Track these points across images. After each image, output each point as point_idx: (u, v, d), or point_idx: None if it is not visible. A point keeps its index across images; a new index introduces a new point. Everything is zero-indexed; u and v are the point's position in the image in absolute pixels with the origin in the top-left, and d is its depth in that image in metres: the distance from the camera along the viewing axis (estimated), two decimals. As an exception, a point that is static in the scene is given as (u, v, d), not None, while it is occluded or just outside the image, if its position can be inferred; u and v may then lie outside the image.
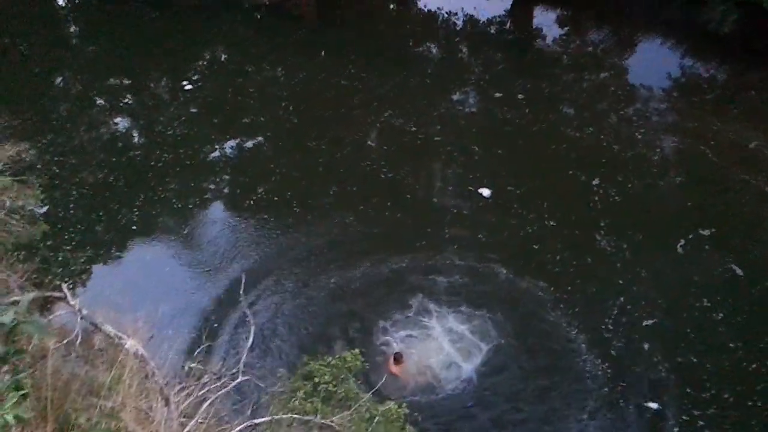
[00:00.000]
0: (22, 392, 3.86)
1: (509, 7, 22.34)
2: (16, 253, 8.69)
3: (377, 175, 14.97)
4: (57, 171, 14.81)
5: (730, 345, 11.35)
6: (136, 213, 13.83)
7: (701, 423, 10.25)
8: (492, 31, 21.00)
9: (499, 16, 21.51)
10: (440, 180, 14.93)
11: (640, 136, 15.99)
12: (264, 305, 11.98)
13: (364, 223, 13.74)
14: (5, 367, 4.25)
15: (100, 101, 17.64)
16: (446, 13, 21.40)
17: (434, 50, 20.14)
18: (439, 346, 11.41)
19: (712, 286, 12.37)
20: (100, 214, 13.78)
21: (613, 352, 11.25)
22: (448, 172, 15.11)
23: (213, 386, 6.88)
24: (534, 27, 21.31)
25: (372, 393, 8.24)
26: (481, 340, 11.49)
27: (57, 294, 6.24)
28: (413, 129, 16.35)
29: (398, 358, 10.85)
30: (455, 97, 17.85)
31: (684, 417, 10.35)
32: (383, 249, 13.12)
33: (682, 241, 13.26)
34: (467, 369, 11.08)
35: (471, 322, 11.77)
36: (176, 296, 12.03)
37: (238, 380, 6.93)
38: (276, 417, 6.58)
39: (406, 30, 21.49)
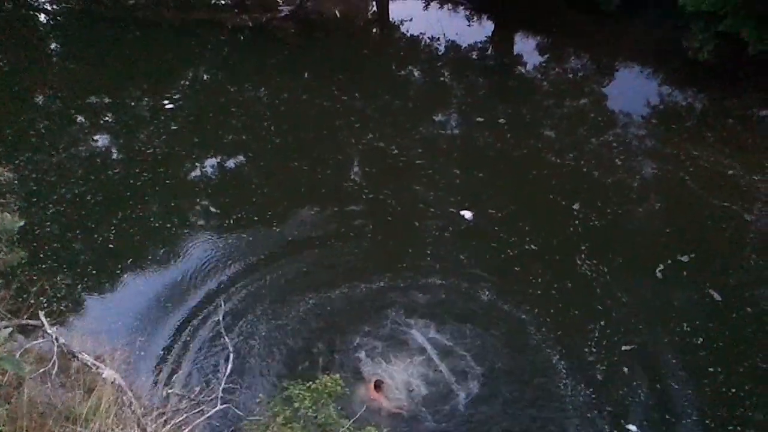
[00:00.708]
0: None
1: (491, 33, 22.63)
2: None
3: (359, 197, 14.96)
4: (35, 188, 14.58)
5: (710, 369, 11.43)
6: (113, 231, 13.63)
7: (682, 449, 10.28)
8: (474, 56, 21.22)
9: (481, 42, 21.77)
10: (422, 202, 14.95)
11: (620, 162, 16.18)
12: (243, 326, 11.81)
13: (345, 244, 13.67)
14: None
15: (80, 119, 17.46)
16: (429, 38, 21.60)
17: (417, 74, 20.28)
18: (420, 369, 11.32)
19: (692, 311, 12.48)
20: (77, 232, 13.56)
21: (598, 376, 11.26)
22: (429, 195, 15.13)
23: (192, 413, 6.76)
24: (515, 53, 21.60)
25: (353, 420, 8.12)
26: (465, 361, 11.44)
27: (33, 322, 6.11)
28: (395, 151, 16.39)
29: (378, 385, 10.76)
30: (437, 120, 17.96)
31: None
32: (364, 269, 13.07)
33: (662, 266, 13.38)
34: (449, 393, 10.99)
35: (453, 342, 11.72)
36: (154, 319, 11.84)
37: (217, 408, 6.80)
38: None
39: (389, 54, 21.65)
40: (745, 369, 11.49)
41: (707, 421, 10.67)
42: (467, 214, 14.50)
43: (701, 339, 11.96)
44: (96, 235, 13.52)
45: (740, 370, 11.45)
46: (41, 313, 6.09)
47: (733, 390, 11.13)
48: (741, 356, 11.71)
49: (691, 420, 10.67)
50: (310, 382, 8.92)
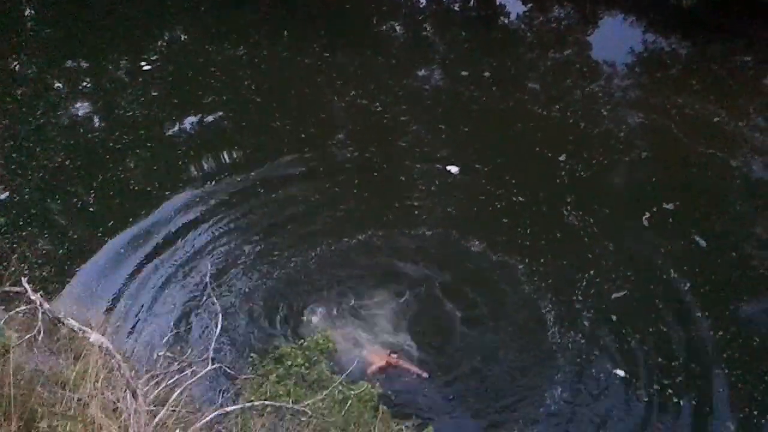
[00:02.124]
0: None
1: (473, -17, 22.21)
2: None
3: (343, 154, 14.80)
4: (13, 155, 14.31)
5: (697, 314, 11.57)
6: (93, 195, 13.43)
7: (670, 391, 10.45)
8: (456, 8, 20.84)
9: (463, -7, 21.37)
10: (407, 158, 14.82)
11: (605, 113, 16.07)
12: (231, 286, 11.79)
13: (331, 201, 13.60)
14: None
15: (57, 84, 17.06)
16: (410, -10, 21.17)
17: (399, 29, 19.91)
18: (411, 315, 11.43)
19: (678, 257, 12.56)
20: (57, 198, 13.36)
21: (586, 323, 11.38)
22: (414, 151, 15.00)
23: (183, 374, 6.74)
24: (498, 3, 21.20)
25: (345, 375, 8.15)
26: (455, 309, 11.59)
27: (17, 289, 5.99)
28: (379, 108, 16.18)
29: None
30: (421, 75, 17.69)
31: (655, 386, 10.53)
32: (350, 224, 13.03)
33: (647, 215, 13.42)
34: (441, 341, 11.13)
35: (443, 293, 11.85)
36: (138, 282, 11.75)
37: (208, 368, 6.78)
38: (247, 404, 6.46)
39: (370, 9, 21.14)
40: (731, 312, 11.65)
41: (693, 365, 10.85)
42: (453, 169, 14.41)
43: (687, 285, 12.07)
44: (76, 200, 13.33)
45: (726, 314, 11.61)
46: (24, 280, 5.97)
47: (720, 333, 11.29)
48: (726, 300, 11.85)
49: (678, 363, 10.84)
50: (302, 340, 8.97)
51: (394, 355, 10.58)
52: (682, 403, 10.33)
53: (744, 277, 12.31)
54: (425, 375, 10.55)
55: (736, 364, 10.86)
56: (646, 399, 10.39)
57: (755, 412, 10.20)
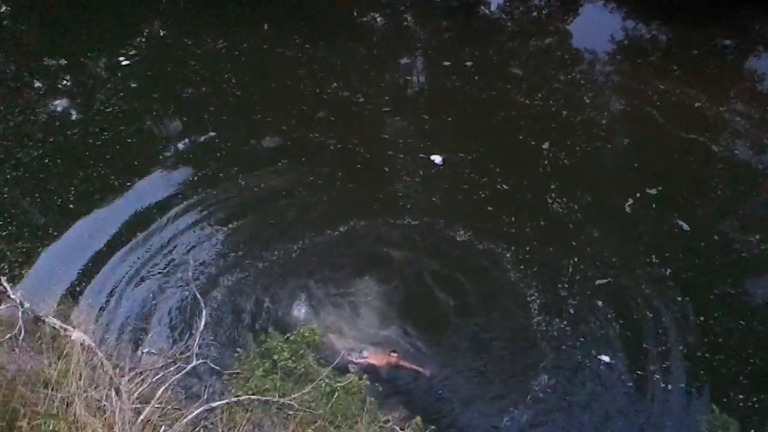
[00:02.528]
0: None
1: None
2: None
3: (326, 147, 14.72)
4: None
5: (680, 299, 11.66)
6: (74, 192, 13.25)
7: (657, 377, 10.53)
8: (437, -2, 20.79)
9: (444, -18, 21.30)
10: (391, 149, 14.77)
11: (588, 100, 16.13)
12: (214, 280, 11.69)
13: (314, 193, 13.54)
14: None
15: (36, 83, 16.77)
16: (390, -20, 21.04)
17: (380, 20, 19.80)
18: (397, 304, 11.44)
19: (661, 242, 12.66)
20: (36, 196, 13.17)
21: (571, 310, 11.42)
22: (398, 142, 14.95)
23: (168, 371, 6.68)
24: (478, -8, 21.19)
25: (331, 367, 8.12)
26: (442, 298, 11.62)
27: (-3, 288, 5.91)
28: (361, 99, 16.10)
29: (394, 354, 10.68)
30: (403, 66, 17.65)
31: (639, 372, 10.61)
32: (333, 215, 12.97)
33: (631, 201, 13.50)
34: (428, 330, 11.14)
35: (429, 282, 11.87)
36: (119, 279, 11.60)
37: (193, 363, 6.73)
38: (233, 399, 6.41)
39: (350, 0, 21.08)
40: (715, 297, 11.75)
41: (680, 347, 10.94)
42: (437, 159, 14.39)
43: (670, 269, 12.16)
44: (56, 197, 13.12)
45: (710, 298, 11.72)
46: (3, 279, 5.89)
47: (702, 318, 11.39)
48: (710, 285, 11.97)
49: (663, 348, 10.92)
50: (288, 334, 8.93)
51: (395, 355, 10.53)
52: (667, 387, 10.41)
53: (727, 261, 12.42)
54: (427, 373, 10.50)
55: (719, 347, 10.96)
56: (630, 384, 10.46)
57: (739, 396, 10.31)
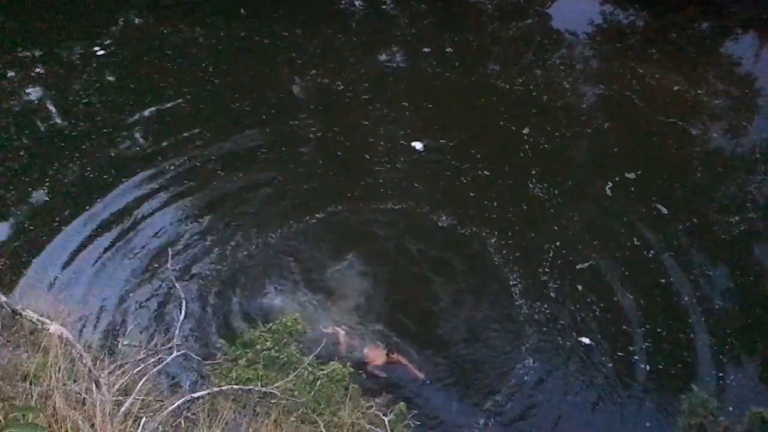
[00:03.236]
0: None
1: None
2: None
3: (306, 135, 14.62)
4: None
5: (661, 281, 11.77)
6: (48, 185, 13.03)
7: (636, 358, 10.64)
8: (416, -17, 20.65)
9: (422, -33, 21.17)
10: (372, 137, 14.72)
11: (567, 85, 16.18)
12: (194, 271, 11.59)
13: (294, 181, 13.46)
14: None
15: (9, 74, 16.46)
16: (368, -35, 20.88)
17: (358, 5, 19.69)
18: (380, 290, 11.45)
19: (640, 226, 12.76)
20: (11, 189, 12.94)
21: (552, 294, 11.50)
22: (379, 129, 14.90)
23: (148, 363, 6.61)
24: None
25: (313, 355, 8.09)
26: (425, 283, 11.66)
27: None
28: (341, 87, 16.01)
29: (391, 353, 10.57)
30: (382, 53, 17.57)
31: (619, 353, 10.72)
32: (314, 203, 12.91)
33: (610, 184, 13.60)
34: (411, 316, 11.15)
35: (412, 268, 11.90)
36: (97, 271, 11.46)
37: (174, 354, 6.67)
38: (215, 389, 6.37)
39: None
40: (695, 277, 11.88)
41: (659, 330, 11.06)
42: (418, 145, 14.37)
43: (651, 252, 12.27)
44: (31, 189, 12.90)
45: (689, 279, 11.84)
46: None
47: (685, 299, 11.50)
48: (687, 267, 12.08)
49: (643, 329, 11.04)
50: (271, 324, 8.87)
51: (393, 356, 10.49)
52: (646, 368, 10.52)
53: (706, 242, 12.56)
54: (421, 377, 10.38)
55: (699, 328, 11.09)
56: (611, 365, 10.56)
57: (720, 374, 10.45)
